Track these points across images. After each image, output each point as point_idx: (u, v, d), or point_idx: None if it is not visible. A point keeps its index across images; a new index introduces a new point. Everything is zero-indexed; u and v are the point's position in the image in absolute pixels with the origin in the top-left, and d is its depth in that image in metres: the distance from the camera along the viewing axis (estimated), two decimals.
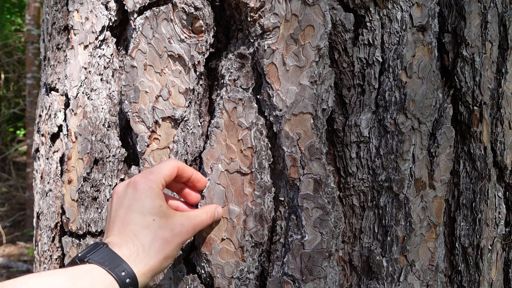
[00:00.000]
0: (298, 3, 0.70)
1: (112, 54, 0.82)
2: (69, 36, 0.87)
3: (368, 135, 0.74)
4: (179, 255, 0.76)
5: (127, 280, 0.59)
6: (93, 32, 0.82)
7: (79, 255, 0.61)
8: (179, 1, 0.73)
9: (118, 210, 0.65)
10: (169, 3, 0.74)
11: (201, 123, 0.77)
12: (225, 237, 0.73)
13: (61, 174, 0.91)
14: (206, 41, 0.74)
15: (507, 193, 0.92)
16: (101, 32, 0.81)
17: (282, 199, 0.74)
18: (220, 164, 0.73)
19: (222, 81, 0.75)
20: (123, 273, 0.59)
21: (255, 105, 0.73)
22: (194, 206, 0.74)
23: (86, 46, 0.84)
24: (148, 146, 0.76)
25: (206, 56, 0.75)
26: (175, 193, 0.75)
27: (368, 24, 0.73)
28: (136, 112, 0.76)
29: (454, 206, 0.83)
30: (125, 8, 0.77)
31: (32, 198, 2.40)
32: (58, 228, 0.91)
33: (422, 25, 0.75)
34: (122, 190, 0.67)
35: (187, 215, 0.68)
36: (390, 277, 0.76)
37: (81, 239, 0.83)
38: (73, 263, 0.61)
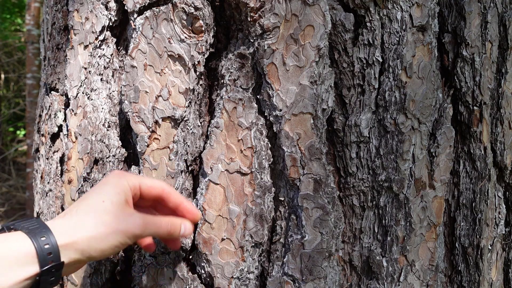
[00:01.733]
0: (298, 3, 0.70)
1: (112, 54, 0.82)
2: (69, 36, 0.87)
3: (368, 135, 0.74)
4: (179, 255, 0.76)
5: (46, 246, 0.55)
6: (93, 32, 0.82)
7: (8, 223, 0.58)
8: (179, 1, 0.73)
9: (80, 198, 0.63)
10: (169, 3, 0.74)
11: (201, 123, 0.77)
12: (225, 237, 0.73)
13: (61, 174, 0.91)
14: (206, 41, 0.74)
15: (507, 193, 0.92)
16: (101, 32, 0.81)
17: (282, 199, 0.74)
18: (220, 164, 0.73)
19: (222, 81, 0.75)
20: (43, 238, 0.55)
21: (255, 105, 0.73)
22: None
23: (86, 46, 0.84)
24: (148, 146, 0.76)
25: (206, 56, 0.75)
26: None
27: (368, 24, 0.73)
28: (136, 112, 0.76)
29: (454, 206, 0.83)
30: (125, 8, 0.77)
31: (32, 198, 2.40)
32: None
33: (422, 25, 0.75)
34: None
35: (144, 214, 0.64)
36: (390, 277, 0.76)
37: None
38: (1, 230, 0.59)
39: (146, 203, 0.69)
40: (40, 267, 0.55)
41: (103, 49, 0.82)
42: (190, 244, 0.76)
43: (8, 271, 0.53)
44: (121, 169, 0.80)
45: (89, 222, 0.59)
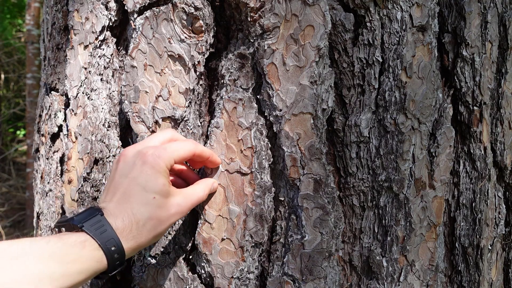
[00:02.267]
0: (298, 3, 0.70)
1: (112, 54, 0.82)
2: (69, 36, 0.87)
3: (368, 135, 0.74)
4: (179, 255, 0.76)
5: (115, 256, 0.60)
6: (93, 32, 0.82)
7: (74, 218, 0.61)
8: (179, 1, 0.73)
9: (122, 177, 0.65)
10: (169, 3, 0.74)
11: (201, 123, 0.77)
12: (225, 237, 0.73)
13: (61, 174, 0.91)
14: (206, 41, 0.74)
15: (507, 193, 0.92)
16: (101, 32, 0.82)
17: (282, 199, 0.74)
18: (220, 164, 0.73)
19: (222, 81, 0.75)
20: (113, 248, 0.60)
21: (255, 105, 0.73)
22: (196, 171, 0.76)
23: (86, 46, 0.84)
24: None
25: (206, 56, 0.75)
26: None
27: (368, 24, 0.73)
28: (136, 112, 0.76)
29: (454, 206, 0.83)
30: (125, 8, 0.77)
31: (32, 198, 2.40)
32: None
33: (422, 25, 0.75)
34: (130, 157, 0.66)
35: (184, 193, 0.68)
36: (390, 277, 0.76)
37: None
38: (66, 225, 0.62)
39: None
40: (109, 272, 0.61)
41: (103, 49, 0.82)
42: (190, 244, 0.76)
43: (80, 275, 0.58)
44: None
45: (149, 225, 0.63)
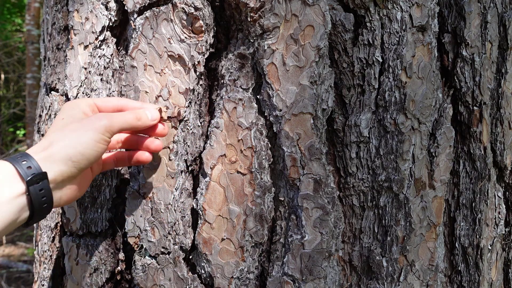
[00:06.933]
0: (298, 3, 0.70)
1: (112, 54, 0.82)
2: (69, 36, 0.87)
3: (368, 135, 0.74)
4: (179, 255, 0.76)
5: (24, 162, 0.59)
6: (93, 32, 0.82)
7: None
8: (179, 1, 0.73)
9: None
10: (169, 3, 0.74)
11: (201, 123, 0.77)
12: (225, 237, 0.73)
13: None
14: (206, 41, 0.74)
15: (507, 193, 0.92)
16: (101, 32, 0.82)
17: (282, 199, 0.74)
18: (220, 164, 0.73)
19: (222, 81, 0.75)
20: (22, 160, 0.59)
21: (255, 105, 0.73)
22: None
23: (86, 46, 0.84)
24: None
25: (206, 56, 0.75)
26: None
27: (368, 24, 0.73)
28: None
29: (454, 206, 0.83)
30: (125, 8, 0.77)
31: None
32: (58, 228, 0.91)
33: (422, 25, 0.75)
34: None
35: (110, 115, 0.67)
36: (390, 277, 0.76)
37: (81, 239, 0.83)
38: None
39: None
40: (24, 180, 0.58)
41: (103, 49, 0.82)
42: (190, 244, 0.76)
43: None
44: (121, 168, 0.80)
45: (58, 135, 0.63)
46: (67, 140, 0.62)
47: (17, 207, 0.58)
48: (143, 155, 0.73)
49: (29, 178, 0.58)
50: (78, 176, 0.65)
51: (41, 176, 0.59)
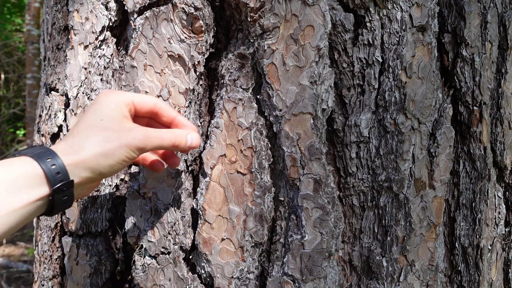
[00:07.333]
0: (298, 3, 0.70)
1: (112, 54, 0.82)
2: (69, 36, 0.87)
3: (368, 135, 0.74)
4: (179, 255, 0.76)
5: (53, 167, 0.56)
6: (93, 32, 0.82)
7: (14, 153, 0.59)
8: (179, 1, 0.73)
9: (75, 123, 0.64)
10: (169, 3, 0.74)
11: (201, 123, 0.77)
12: (225, 237, 0.73)
13: None
14: (206, 41, 0.75)
15: (507, 193, 0.92)
16: (101, 32, 0.82)
17: (282, 199, 0.74)
18: (220, 164, 0.73)
19: (222, 81, 0.75)
20: (49, 160, 0.56)
21: (255, 105, 0.73)
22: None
23: (86, 46, 0.84)
24: None
25: (206, 56, 0.75)
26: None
27: (368, 24, 0.73)
28: None
29: (454, 206, 0.83)
30: (125, 8, 0.77)
31: None
32: (58, 228, 0.91)
33: (422, 25, 0.75)
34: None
35: (146, 127, 0.64)
36: (390, 277, 0.76)
37: (81, 239, 0.83)
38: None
39: (141, 122, 0.68)
40: (51, 187, 0.56)
41: (103, 49, 0.82)
42: (190, 244, 0.76)
43: (18, 193, 0.55)
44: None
45: (92, 140, 0.60)
46: (100, 149, 0.60)
47: (37, 208, 0.57)
48: (161, 166, 0.72)
49: (57, 186, 0.57)
50: None
51: (69, 185, 0.58)
